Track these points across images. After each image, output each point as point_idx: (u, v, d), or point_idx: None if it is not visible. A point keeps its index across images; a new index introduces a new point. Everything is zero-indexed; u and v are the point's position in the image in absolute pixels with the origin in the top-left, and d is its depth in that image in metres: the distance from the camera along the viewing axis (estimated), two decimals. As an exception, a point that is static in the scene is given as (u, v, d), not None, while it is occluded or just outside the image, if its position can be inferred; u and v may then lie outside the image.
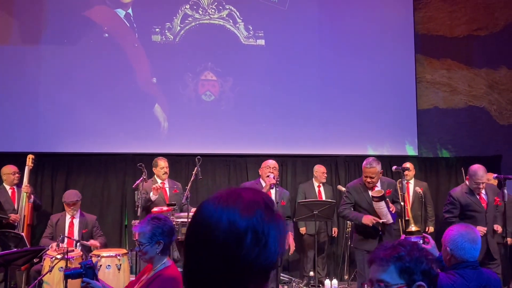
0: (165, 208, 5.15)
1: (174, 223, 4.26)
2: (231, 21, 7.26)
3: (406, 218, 5.85)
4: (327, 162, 7.13)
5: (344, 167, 7.32)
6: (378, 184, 4.89)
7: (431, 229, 6.36)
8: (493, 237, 4.99)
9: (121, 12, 7.10)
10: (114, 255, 5.06)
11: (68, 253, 4.71)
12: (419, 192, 6.39)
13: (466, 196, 4.92)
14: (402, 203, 5.13)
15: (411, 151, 7.43)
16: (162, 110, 7.08)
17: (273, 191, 5.14)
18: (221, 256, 0.97)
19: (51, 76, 6.87)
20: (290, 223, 5.44)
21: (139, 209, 5.18)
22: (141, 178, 5.27)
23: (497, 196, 4.95)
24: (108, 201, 6.86)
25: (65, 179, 6.79)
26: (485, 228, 4.81)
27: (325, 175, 6.68)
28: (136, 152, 6.83)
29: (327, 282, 6.16)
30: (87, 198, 6.47)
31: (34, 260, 4.76)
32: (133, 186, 5.60)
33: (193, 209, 5.05)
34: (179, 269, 2.84)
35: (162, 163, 5.83)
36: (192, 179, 5.30)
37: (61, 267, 4.75)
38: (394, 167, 5.71)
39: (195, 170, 5.25)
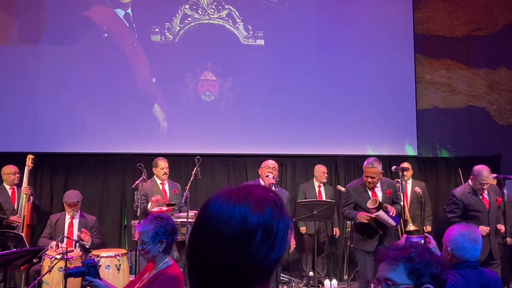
0: (164, 208, 5.15)
1: (173, 223, 4.25)
2: (231, 21, 7.26)
3: (405, 218, 5.86)
4: (327, 162, 7.12)
5: (344, 167, 7.33)
6: (378, 185, 4.89)
7: (429, 228, 6.37)
8: (495, 237, 4.99)
9: (120, 12, 7.10)
10: (113, 255, 5.05)
11: (68, 253, 4.71)
12: (419, 192, 6.39)
13: (469, 196, 4.91)
14: (402, 203, 5.13)
15: (411, 151, 7.44)
16: (161, 110, 7.07)
17: (272, 191, 5.13)
18: (231, 253, 0.96)
19: (51, 76, 6.87)
20: None
21: (138, 209, 5.18)
22: (141, 178, 5.26)
23: (499, 197, 4.95)
24: (107, 201, 6.85)
25: (65, 179, 6.79)
26: (488, 228, 4.79)
27: (326, 175, 6.68)
28: (136, 152, 6.83)
29: (326, 282, 6.16)
30: (86, 198, 6.45)
31: (34, 260, 4.76)
32: (133, 186, 5.60)
33: (193, 212, 5.06)
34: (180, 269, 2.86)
35: (162, 163, 5.82)
36: (191, 179, 5.29)
37: (61, 267, 4.74)
38: (393, 167, 5.72)
39: (194, 170, 5.24)
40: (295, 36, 7.33)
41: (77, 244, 5.17)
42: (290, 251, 5.71)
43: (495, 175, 5.10)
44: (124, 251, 5.44)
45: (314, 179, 6.69)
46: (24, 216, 5.67)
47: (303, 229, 6.44)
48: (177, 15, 7.17)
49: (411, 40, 7.54)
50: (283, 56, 7.28)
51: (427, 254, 1.58)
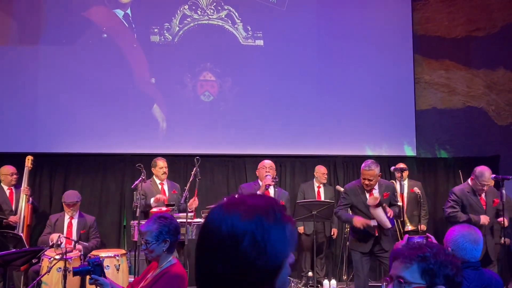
0: (164, 208, 5.15)
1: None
2: (230, 22, 7.26)
3: (402, 219, 5.88)
4: (326, 162, 7.13)
5: (343, 168, 7.34)
6: (376, 187, 4.88)
7: (423, 227, 6.38)
8: (492, 238, 5.00)
9: (119, 13, 7.10)
10: (112, 255, 5.06)
11: (67, 254, 4.71)
12: (418, 193, 6.40)
13: (468, 196, 4.93)
14: (400, 204, 5.14)
15: (410, 151, 7.45)
16: (160, 110, 7.08)
17: (271, 191, 5.14)
18: (222, 258, 1.02)
19: (50, 77, 6.87)
20: None
21: (137, 210, 5.18)
22: (140, 178, 5.26)
23: (496, 198, 4.96)
24: (106, 201, 6.85)
25: (64, 179, 6.79)
26: (488, 219, 4.83)
27: (326, 175, 6.69)
28: (135, 153, 6.82)
29: (325, 282, 6.17)
30: (85, 198, 6.45)
31: (33, 260, 4.76)
32: (132, 186, 5.60)
33: (191, 212, 5.07)
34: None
35: (161, 163, 5.82)
36: (190, 179, 5.29)
37: (60, 268, 4.74)
38: (392, 168, 5.73)
39: (193, 171, 5.25)
40: (294, 36, 7.34)
41: (76, 244, 5.17)
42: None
43: (493, 175, 5.11)
44: (123, 251, 5.44)
45: (314, 179, 6.70)
46: (24, 216, 5.67)
47: (300, 229, 6.45)
48: (176, 15, 7.18)
49: (410, 40, 7.55)
50: (282, 57, 7.29)
51: (443, 255, 1.56)
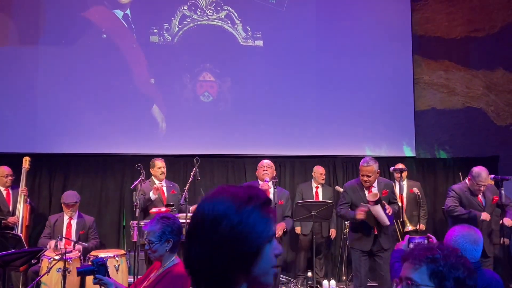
0: (163, 209, 5.15)
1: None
2: (229, 22, 7.26)
3: (402, 219, 5.88)
4: (325, 163, 7.14)
5: (342, 168, 7.34)
6: (375, 184, 4.88)
7: (422, 227, 6.39)
8: (489, 236, 5.00)
9: (119, 13, 7.10)
10: (112, 256, 5.06)
11: (66, 254, 4.71)
12: (417, 193, 6.41)
13: (466, 194, 4.95)
14: (399, 204, 5.15)
15: (409, 152, 7.46)
16: (160, 111, 7.08)
17: (271, 191, 5.13)
18: (201, 240, 1.09)
19: (50, 77, 6.87)
20: (289, 220, 5.43)
21: (137, 210, 5.17)
22: (139, 179, 5.26)
23: (496, 195, 4.97)
24: (106, 202, 6.85)
25: (63, 180, 6.79)
26: (489, 215, 4.84)
27: (324, 176, 6.68)
28: (134, 153, 6.82)
29: (325, 282, 6.17)
30: (85, 199, 6.46)
31: (32, 261, 4.76)
32: (131, 187, 5.60)
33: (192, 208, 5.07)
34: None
35: (159, 163, 5.83)
36: (190, 180, 5.29)
37: (59, 268, 4.75)
38: (391, 168, 5.73)
39: (193, 171, 5.24)
40: (293, 37, 7.34)
41: (76, 245, 5.17)
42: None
43: (492, 176, 5.12)
44: (122, 251, 5.44)
45: (312, 180, 6.70)
46: (22, 217, 5.66)
47: (297, 229, 6.45)
48: (175, 16, 7.18)
49: (409, 41, 7.56)
50: (281, 57, 7.29)
51: (454, 257, 1.51)
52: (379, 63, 7.45)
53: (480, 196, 4.97)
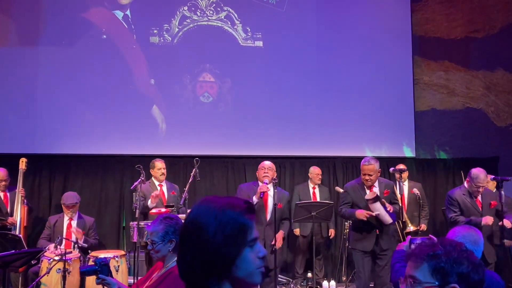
0: (163, 210, 5.14)
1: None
2: (229, 23, 7.27)
3: (403, 220, 5.87)
4: (325, 163, 7.13)
5: (342, 169, 7.34)
6: (376, 184, 4.89)
7: (424, 227, 6.39)
8: (490, 241, 4.99)
9: (119, 14, 7.10)
10: (112, 256, 5.06)
11: (66, 255, 4.71)
12: (417, 194, 6.41)
13: (464, 198, 4.95)
14: (400, 204, 5.14)
15: (409, 152, 7.46)
16: (160, 111, 7.07)
17: (271, 192, 5.12)
18: (187, 248, 1.23)
19: (49, 78, 6.86)
20: (286, 223, 5.40)
21: (137, 211, 5.17)
22: (139, 179, 5.25)
23: (493, 200, 4.97)
24: (106, 202, 6.85)
25: (63, 180, 6.78)
26: (492, 219, 4.83)
27: (320, 176, 6.67)
28: (134, 154, 6.82)
29: (325, 283, 6.16)
30: (85, 199, 6.45)
31: (32, 261, 4.75)
32: (131, 187, 5.59)
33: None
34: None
35: (159, 164, 5.82)
36: (190, 180, 5.29)
37: (59, 269, 4.74)
38: (391, 169, 5.73)
39: (193, 172, 5.24)
40: (293, 37, 7.35)
41: (76, 245, 5.17)
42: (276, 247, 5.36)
43: (492, 176, 5.12)
44: (122, 252, 5.44)
45: (308, 181, 6.69)
46: (20, 218, 5.65)
47: (296, 231, 6.44)
48: (175, 16, 7.18)
49: (409, 41, 7.56)
50: (281, 58, 7.29)
51: (456, 252, 1.48)
52: (379, 63, 7.45)
53: (479, 199, 4.98)
